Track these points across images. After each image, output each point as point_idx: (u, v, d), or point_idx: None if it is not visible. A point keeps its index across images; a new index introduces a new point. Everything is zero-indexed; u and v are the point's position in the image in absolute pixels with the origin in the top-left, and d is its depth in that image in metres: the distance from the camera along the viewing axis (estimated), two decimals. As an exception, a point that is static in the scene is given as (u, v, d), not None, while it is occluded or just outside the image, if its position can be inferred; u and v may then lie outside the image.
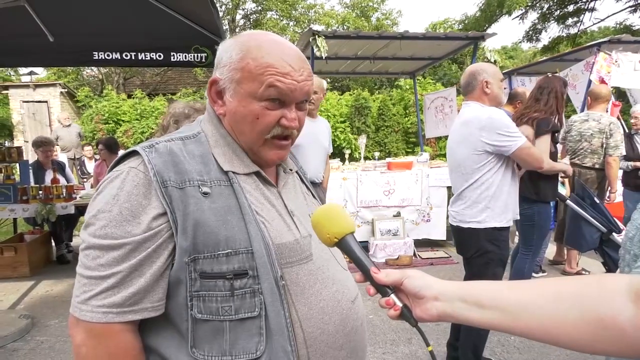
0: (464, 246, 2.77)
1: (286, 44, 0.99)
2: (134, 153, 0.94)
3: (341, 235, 0.86)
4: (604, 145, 4.46)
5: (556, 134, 3.25)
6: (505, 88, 2.71)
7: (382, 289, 0.83)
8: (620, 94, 8.77)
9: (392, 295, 0.82)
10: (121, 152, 1.04)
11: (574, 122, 4.70)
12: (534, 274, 4.58)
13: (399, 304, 0.81)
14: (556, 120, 3.14)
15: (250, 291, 0.89)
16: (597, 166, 4.55)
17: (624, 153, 4.73)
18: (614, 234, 3.02)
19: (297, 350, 0.90)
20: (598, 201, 3.20)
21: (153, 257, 0.88)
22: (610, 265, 3.18)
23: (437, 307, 0.79)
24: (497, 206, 2.58)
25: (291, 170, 1.12)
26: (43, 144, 5.60)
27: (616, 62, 5.78)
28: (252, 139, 0.98)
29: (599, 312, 0.65)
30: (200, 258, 0.88)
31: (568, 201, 3.29)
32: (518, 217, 2.75)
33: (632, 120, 5.09)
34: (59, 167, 5.84)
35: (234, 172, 0.97)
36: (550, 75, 3.42)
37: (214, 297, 0.89)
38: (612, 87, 5.95)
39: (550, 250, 5.24)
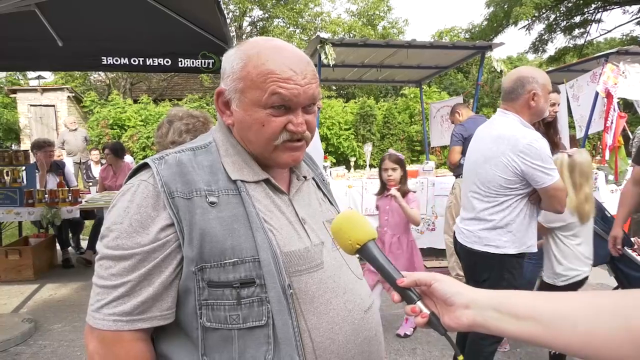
0: (475, 270, 2.53)
1: (287, 48, 0.98)
2: (145, 165, 0.96)
3: (363, 242, 0.84)
4: None
5: None
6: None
7: (408, 296, 0.80)
8: (627, 105, 8.75)
9: (419, 303, 0.79)
10: (127, 157, 1.05)
11: None
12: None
13: (427, 312, 0.78)
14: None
15: (257, 300, 0.88)
16: None
17: None
18: (625, 248, 2.90)
19: None
20: (609, 215, 3.10)
21: (162, 266, 0.89)
22: (623, 281, 3.01)
23: (467, 315, 0.75)
24: (520, 231, 2.34)
25: (305, 177, 1.10)
26: (45, 145, 5.52)
27: (623, 73, 5.76)
28: (261, 146, 0.98)
29: None
30: (208, 267, 0.88)
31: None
32: (536, 249, 2.45)
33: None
34: (57, 168, 5.75)
35: (242, 181, 0.96)
36: None
37: (221, 306, 0.88)
38: (618, 98, 5.92)
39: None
